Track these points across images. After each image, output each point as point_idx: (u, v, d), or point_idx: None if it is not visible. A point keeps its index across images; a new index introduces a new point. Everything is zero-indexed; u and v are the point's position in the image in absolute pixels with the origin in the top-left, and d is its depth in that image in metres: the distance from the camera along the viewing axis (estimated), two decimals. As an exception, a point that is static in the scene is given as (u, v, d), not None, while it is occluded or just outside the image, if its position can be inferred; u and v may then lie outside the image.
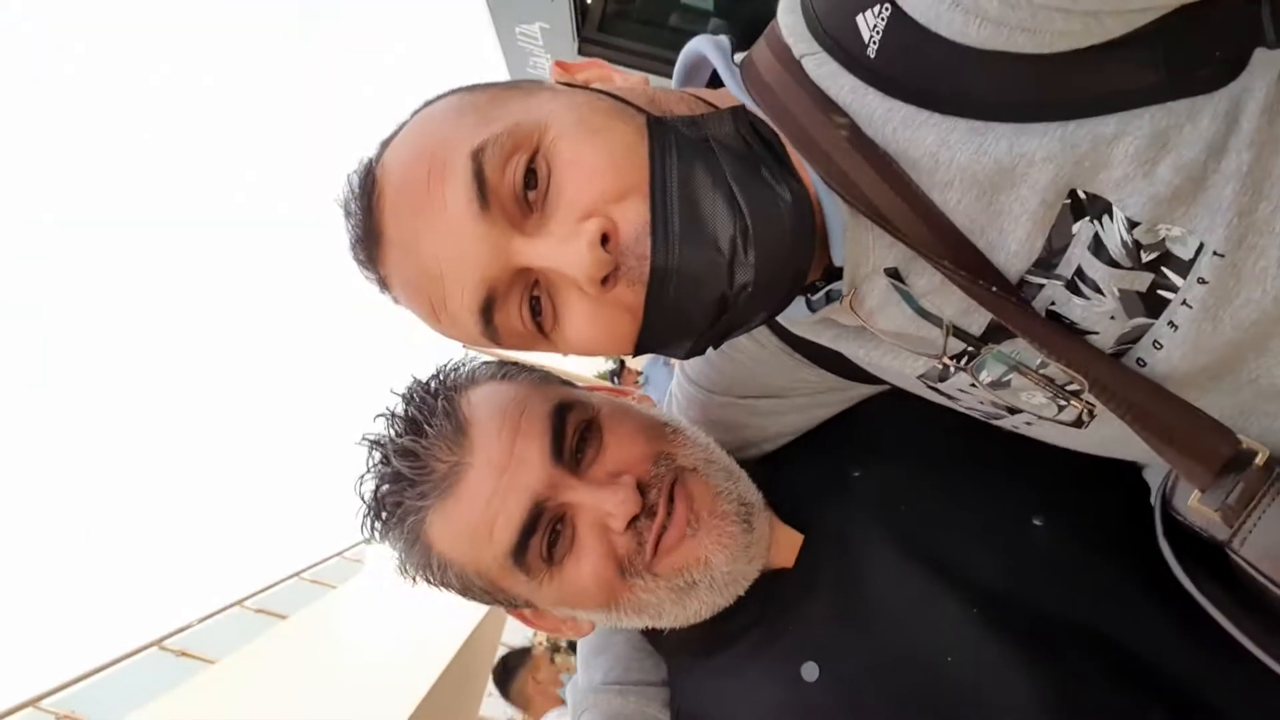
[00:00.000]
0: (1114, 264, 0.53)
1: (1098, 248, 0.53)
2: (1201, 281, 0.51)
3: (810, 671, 0.75)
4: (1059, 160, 0.50)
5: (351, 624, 8.92)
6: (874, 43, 0.54)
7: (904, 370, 0.69)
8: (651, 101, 0.63)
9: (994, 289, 0.55)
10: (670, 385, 1.02)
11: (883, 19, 0.53)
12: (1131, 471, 0.80)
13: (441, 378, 0.81)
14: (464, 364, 0.84)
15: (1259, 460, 0.55)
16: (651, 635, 0.90)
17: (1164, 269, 0.53)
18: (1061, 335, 0.56)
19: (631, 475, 0.74)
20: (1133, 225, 0.51)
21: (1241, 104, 0.47)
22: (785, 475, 0.89)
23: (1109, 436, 0.64)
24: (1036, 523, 0.76)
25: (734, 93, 0.64)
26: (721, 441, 0.87)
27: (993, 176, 0.52)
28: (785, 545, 0.83)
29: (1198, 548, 0.61)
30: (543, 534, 0.73)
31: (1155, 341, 0.55)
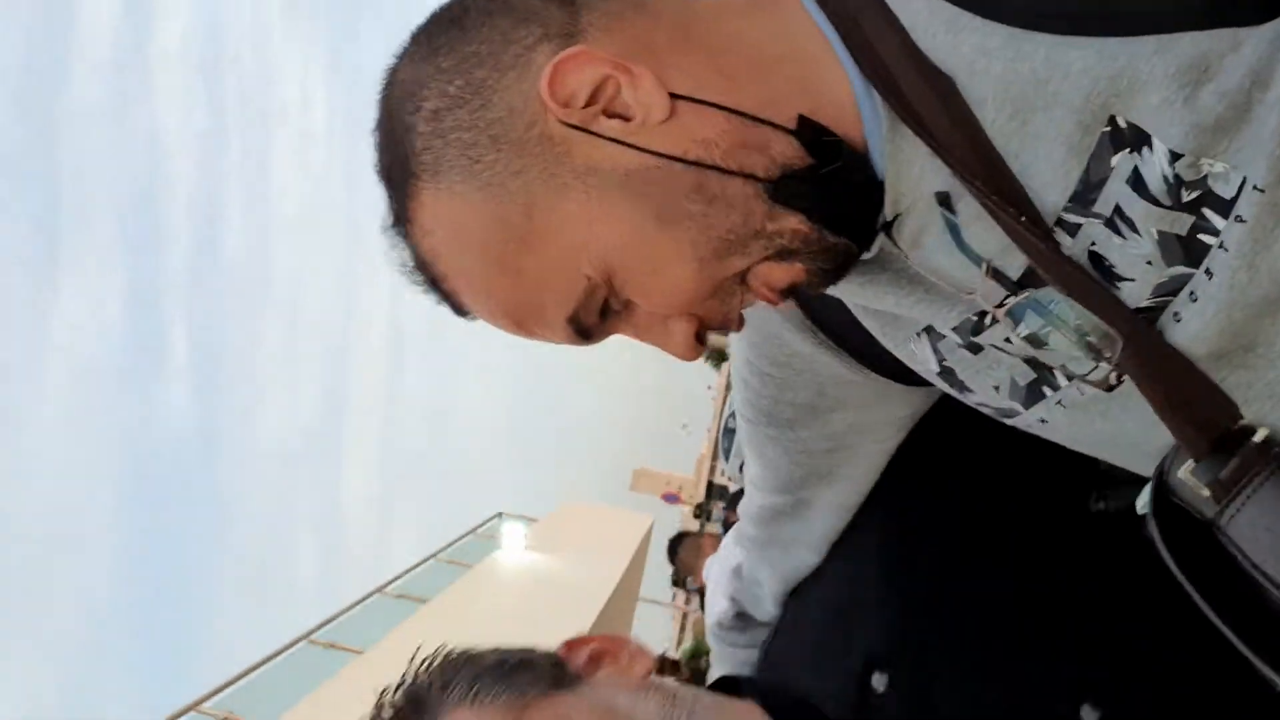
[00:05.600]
0: (1154, 201, 0.51)
1: (1137, 183, 0.51)
2: (1240, 220, 0.49)
3: None
4: (1094, 73, 0.50)
5: (491, 598, 9.09)
6: None
7: (936, 320, 0.67)
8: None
9: (1023, 219, 0.55)
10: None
11: None
12: (1195, 650, 0.69)
13: (405, 700, 0.72)
14: (433, 668, 0.72)
15: (1257, 438, 0.55)
16: None
17: (1205, 210, 0.50)
18: (1090, 282, 0.55)
19: None
20: (1175, 157, 0.49)
21: None
22: (794, 690, 0.85)
23: (1124, 423, 0.62)
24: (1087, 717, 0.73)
25: None
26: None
27: (1027, 92, 0.52)
28: None
29: (1193, 536, 0.59)
30: None
31: (1192, 293, 0.53)
